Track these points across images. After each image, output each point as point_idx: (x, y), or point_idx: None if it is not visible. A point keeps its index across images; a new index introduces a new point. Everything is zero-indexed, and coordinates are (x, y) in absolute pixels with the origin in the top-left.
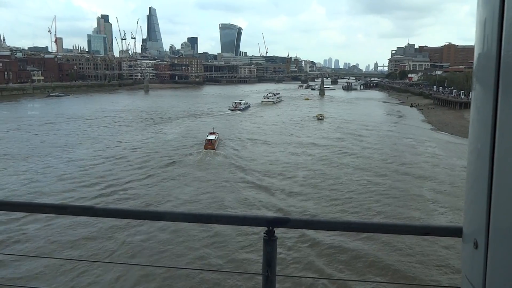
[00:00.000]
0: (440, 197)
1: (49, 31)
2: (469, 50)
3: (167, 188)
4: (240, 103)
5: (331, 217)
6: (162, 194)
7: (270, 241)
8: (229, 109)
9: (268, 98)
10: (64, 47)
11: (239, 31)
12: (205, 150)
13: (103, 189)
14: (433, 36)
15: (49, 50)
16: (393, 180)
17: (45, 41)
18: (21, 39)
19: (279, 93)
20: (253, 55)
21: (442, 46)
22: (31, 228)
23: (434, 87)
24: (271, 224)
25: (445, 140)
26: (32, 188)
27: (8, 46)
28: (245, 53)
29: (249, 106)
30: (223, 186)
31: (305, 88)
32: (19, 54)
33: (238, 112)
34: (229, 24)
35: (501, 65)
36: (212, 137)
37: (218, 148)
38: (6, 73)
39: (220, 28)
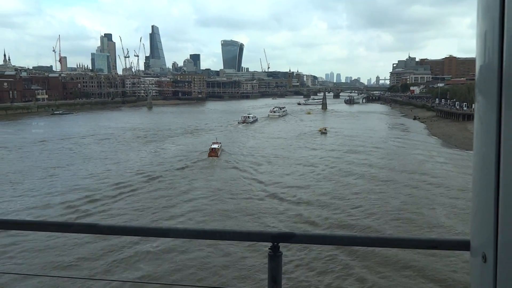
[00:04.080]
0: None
1: (53, 50)
2: (470, 62)
3: (182, 181)
4: (248, 116)
5: (336, 231)
6: (179, 185)
7: (275, 256)
8: (238, 123)
9: (275, 112)
10: (68, 65)
11: (240, 47)
12: (209, 157)
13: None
14: (434, 49)
15: (54, 69)
16: (403, 199)
17: (50, 60)
18: (26, 59)
19: (284, 107)
20: (255, 70)
21: (443, 58)
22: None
23: (437, 99)
24: (276, 239)
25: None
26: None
27: (13, 66)
28: (247, 68)
29: (256, 120)
30: (225, 182)
31: (309, 104)
32: (23, 74)
33: (241, 126)
34: (231, 40)
35: (503, 77)
36: (215, 146)
37: (220, 156)
38: (11, 92)
39: (222, 44)
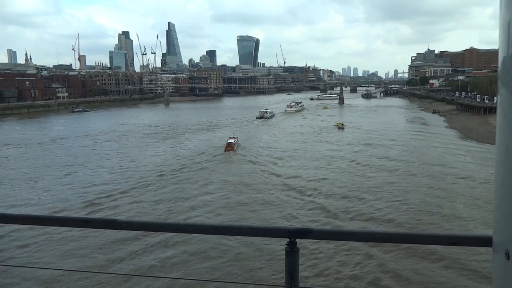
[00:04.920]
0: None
1: (72, 49)
2: (491, 54)
3: (200, 175)
4: (266, 111)
5: (354, 227)
6: (202, 177)
7: (292, 252)
8: (256, 118)
9: (292, 107)
10: (87, 63)
11: (256, 42)
12: (225, 152)
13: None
14: (453, 41)
15: (73, 67)
16: (424, 191)
17: (69, 59)
18: (46, 58)
19: (301, 102)
20: (271, 65)
21: (464, 50)
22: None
23: (457, 92)
24: (293, 235)
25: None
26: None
27: (34, 65)
28: (263, 64)
29: (273, 115)
30: (241, 176)
31: (323, 99)
32: (44, 72)
33: (257, 122)
34: (247, 36)
35: None
36: (231, 140)
37: (237, 150)
38: (32, 90)
39: (237, 40)
